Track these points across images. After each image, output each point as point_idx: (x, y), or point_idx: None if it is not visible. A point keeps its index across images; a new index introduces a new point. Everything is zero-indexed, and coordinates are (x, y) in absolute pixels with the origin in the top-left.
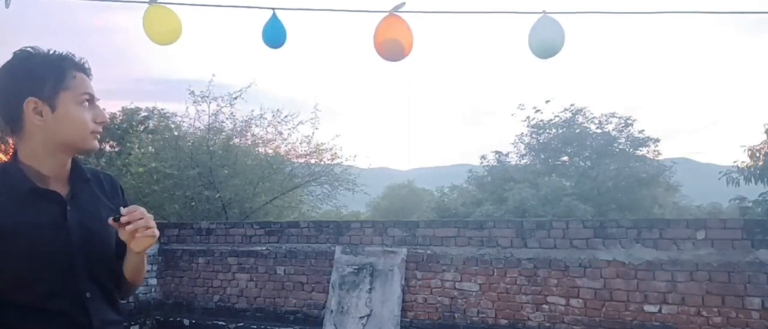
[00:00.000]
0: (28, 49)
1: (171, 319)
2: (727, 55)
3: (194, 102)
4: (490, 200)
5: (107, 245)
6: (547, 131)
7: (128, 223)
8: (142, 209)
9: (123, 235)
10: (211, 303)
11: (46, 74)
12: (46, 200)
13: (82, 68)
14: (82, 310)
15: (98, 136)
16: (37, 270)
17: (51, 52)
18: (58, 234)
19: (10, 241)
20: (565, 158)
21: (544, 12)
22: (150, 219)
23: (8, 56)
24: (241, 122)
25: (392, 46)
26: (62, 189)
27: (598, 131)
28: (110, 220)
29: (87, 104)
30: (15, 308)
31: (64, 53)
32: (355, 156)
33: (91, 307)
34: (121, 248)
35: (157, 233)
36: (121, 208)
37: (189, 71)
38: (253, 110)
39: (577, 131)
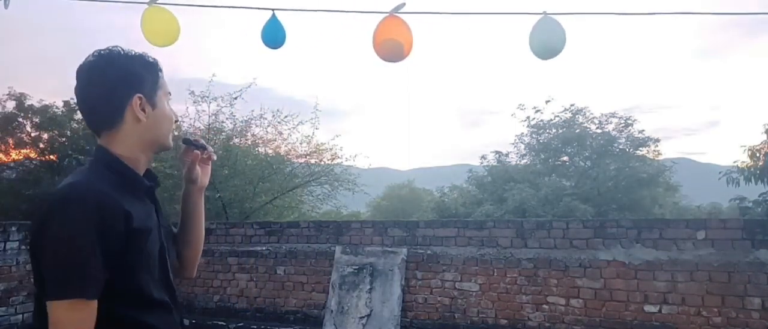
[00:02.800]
0: (118, 49)
1: None
2: (728, 55)
3: (194, 102)
4: (490, 200)
5: (171, 240)
6: (547, 131)
7: (203, 148)
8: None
9: (195, 172)
10: (211, 303)
11: (146, 73)
12: (150, 198)
13: (161, 68)
14: (175, 300)
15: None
16: (150, 266)
17: (135, 52)
18: (158, 231)
19: (143, 240)
20: (565, 158)
21: (544, 13)
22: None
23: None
24: (241, 122)
25: (392, 47)
26: None
27: (598, 131)
28: (185, 147)
29: (168, 101)
30: (127, 298)
31: (144, 53)
32: (355, 156)
33: (176, 297)
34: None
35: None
36: (200, 141)
37: (189, 71)
38: (253, 110)
39: (577, 131)
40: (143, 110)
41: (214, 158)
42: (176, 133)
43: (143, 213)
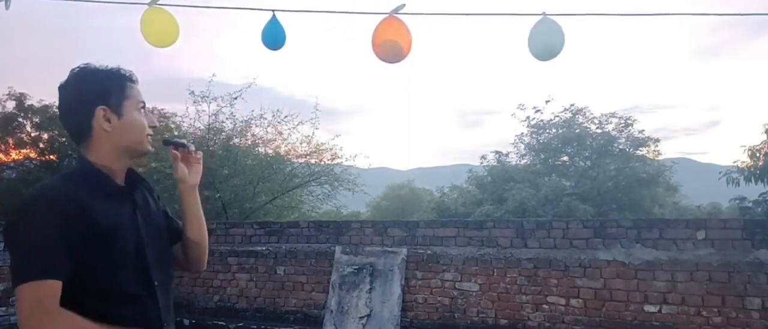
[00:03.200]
0: (89, 64)
1: None
2: (728, 55)
3: (194, 102)
4: (490, 200)
5: (164, 237)
6: (547, 131)
7: (183, 147)
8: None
9: (180, 170)
10: (211, 303)
11: (111, 86)
12: (125, 199)
13: (134, 79)
14: (152, 296)
15: (150, 139)
16: (122, 262)
17: (108, 66)
18: (134, 229)
19: (111, 238)
20: (565, 158)
21: (544, 14)
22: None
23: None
24: (241, 122)
25: (391, 48)
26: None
27: (598, 131)
28: (172, 149)
29: (142, 110)
30: (98, 294)
31: (117, 67)
32: (355, 156)
33: (158, 293)
34: (174, 233)
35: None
36: (181, 140)
37: (189, 71)
38: (253, 110)
39: (577, 131)
40: (108, 120)
41: (200, 155)
42: (176, 134)
43: (112, 214)
